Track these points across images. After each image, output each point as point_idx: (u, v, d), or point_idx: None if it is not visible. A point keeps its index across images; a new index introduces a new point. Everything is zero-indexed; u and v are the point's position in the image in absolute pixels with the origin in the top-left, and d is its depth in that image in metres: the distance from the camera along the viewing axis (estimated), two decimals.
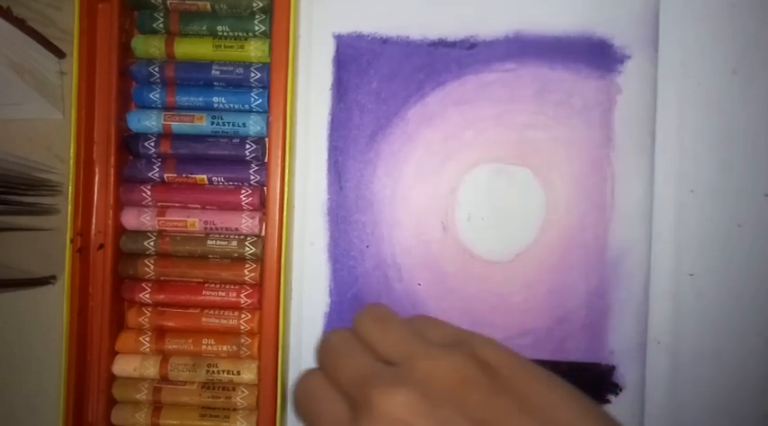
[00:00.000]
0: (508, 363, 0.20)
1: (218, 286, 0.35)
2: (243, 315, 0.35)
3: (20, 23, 0.34)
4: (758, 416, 0.35)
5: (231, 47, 0.35)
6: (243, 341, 0.34)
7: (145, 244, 0.35)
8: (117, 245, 0.35)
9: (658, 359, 0.34)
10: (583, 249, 0.35)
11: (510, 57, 0.35)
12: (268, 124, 0.34)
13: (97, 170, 0.35)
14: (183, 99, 0.35)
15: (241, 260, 0.35)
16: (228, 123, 0.35)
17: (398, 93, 0.36)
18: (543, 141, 0.35)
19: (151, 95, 0.35)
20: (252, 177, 0.35)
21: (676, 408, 0.32)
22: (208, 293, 0.35)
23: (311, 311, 0.36)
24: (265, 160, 0.35)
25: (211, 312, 0.35)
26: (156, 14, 0.35)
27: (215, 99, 0.35)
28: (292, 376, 0.36)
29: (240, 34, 0.35)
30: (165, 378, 0.35)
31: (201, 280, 0.35)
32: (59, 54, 0.37)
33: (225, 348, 0.34)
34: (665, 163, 0.34)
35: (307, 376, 0.21)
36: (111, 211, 0.35)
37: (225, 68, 0.35)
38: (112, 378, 0.35)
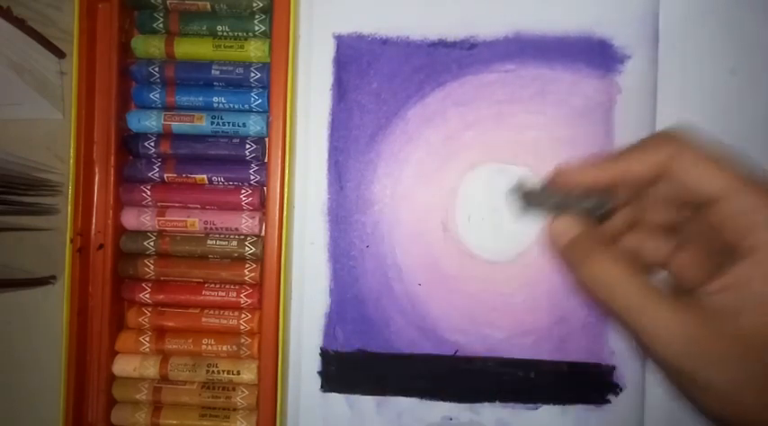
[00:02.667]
0: None
1: (218, 286, 0.35)
2: (243, 315, 0.35)
3: (20, 23, 0.34)
4: None
5: (231, 47, 0.35)
6: (243, 341, 0.34)
7: (145, 244, 0.35)
8: (117, 245, 0.35)
9: None
10: None
11: (510, 57, 0.35)
12: (268, 124, 0.34)
13: (97, 170, 0.35)
14: (183, 99, 0.35)
15: (241, 260, 0.35)
16: (228, 123, 0.35)
17: (398, 93, 0.36)
18: (543, 141, 0.35)
19: (151, 95, 0.35)
20: (252, 177, 0.35)
21: (676, 408, 0.32)
22: (208, 293, 0.35)
23: (311, 311, 0.36)
24: (265, 160, 0.35)
25: (211, 312, 0.35)
26: (155, 14, 0.35)
27: (215, 99, 0.35)
28: (292, 376, 0.36)
29: (240, 34, 0.35)
30: (165, 378, 0.35)
31: (201, 280, 0.35)
32: (59, 54, 0.37)
33: (225, 348, 0.34)
34: None
35: None
36: (111, 211, 0.35)
37: (225, 68, 0.35)
38: (112, 378, 0.35)
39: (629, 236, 0.26)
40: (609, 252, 0.23)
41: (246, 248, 0.35)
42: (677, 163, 0.23)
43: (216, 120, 0.35)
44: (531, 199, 0.25)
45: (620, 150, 0.24)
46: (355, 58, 0.36)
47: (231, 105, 0.35)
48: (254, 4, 0.34)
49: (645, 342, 0.21)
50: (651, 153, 0.23)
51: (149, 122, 0.35)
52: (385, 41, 0.36)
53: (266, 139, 0.35)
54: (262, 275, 0.34)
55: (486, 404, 0.35)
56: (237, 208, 0.35)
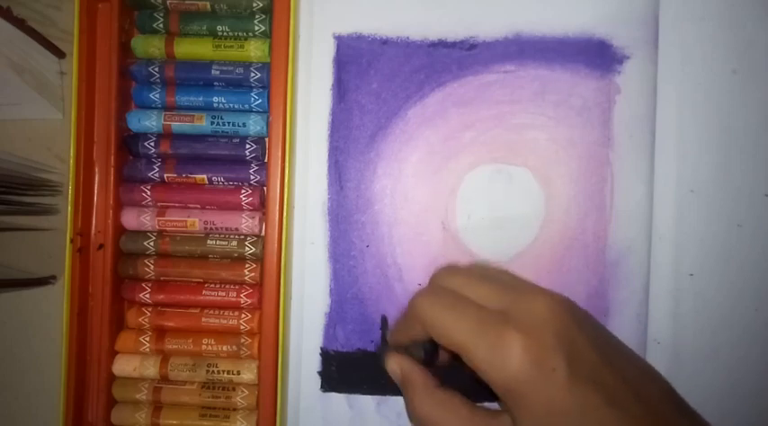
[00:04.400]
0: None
1: (218, 286, 0.35)
2: (243, 315, 0.35)
3: (20, 23, 0.34)
4: (757, 415, 0.35)
5: (231, 47, 0.35)
6: (243, 341, 0.34)
7: (145, 244, 0.35)
8: (117, 245, 0.35)
9: (658, 359, 0.34)
10: (582, 249, 0.35)
11: (510, 58, 0.35)
12: (268, 124, 0.34)
13: (97, 170, 0.35)
14: (183, 99, 0.35)
15: (241, 260, 0.35)
16: (228, 123, 0.35)
17: (398, 93, 0.36)
18: (543, 141, 0.35)
19: (151, 95, 0.35)
20: (252, 177, 0.35)
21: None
22: (208, 293, 0.35)
23: (311, 311, 0.36)
24: (265, 160, 0.35)
25: (211, 312, 0.35)
26: (155, 14, 0.35)
27: (215, 99, 0.35)
28: (292, 376, 0.36)
29: (240, 34, 0.35)
30: (165, 378, 0.35)
31: (201, 280, 0.35)
32: (59, 54, 0.37)
33: (225, 348, 0.34)
34: (665, 163, 0.35)
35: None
36: (111, 211, 0.35)
37: (225, 68, 0.35)
38: (112, 378, 0.35)
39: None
40: (426, 391, 0.27)
41: (246, 248, 0.35)
42: (429, 330, 0.26)
43: (216, 120, 0.35)
44: (382, 349, 0.31)
45: (398, 322, 0.29)
46: (355, 58, 0.36)
47: (231, 105, 0.35)
48: (254, 4, 0.34)
49: None
50: (411, 329, 0.28)
51: (149, 122, 0.35)
52: (385, 41, 0.36)
53: (266, 139, 0.35)
54: (262, 275, 0.34)
55: (486, 404, 0.35)
56: (237, 208, 0.35)
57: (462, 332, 0.25)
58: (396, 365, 0.29)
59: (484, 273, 0.28)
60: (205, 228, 0.35)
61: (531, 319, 0.24)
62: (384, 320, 0.34)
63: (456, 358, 0.27)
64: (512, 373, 0.23)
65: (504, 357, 0.23)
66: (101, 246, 0.35)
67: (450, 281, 0.28)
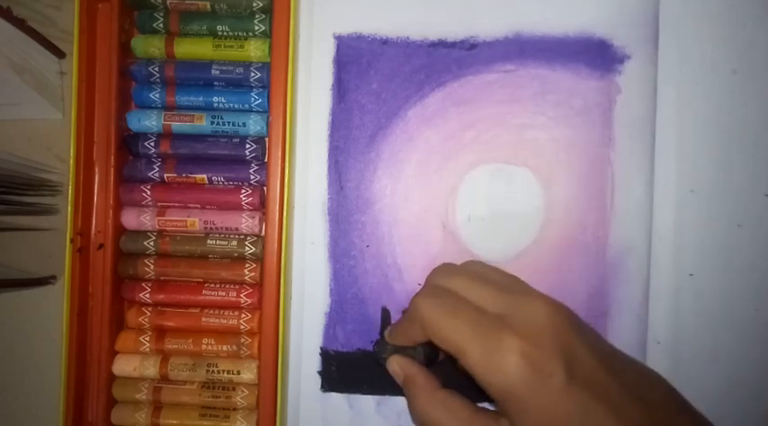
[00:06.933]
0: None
1: (218, 286, 0.35)
2: (243, 315, 0.35)
3: (20, 23, 0.34)
4: (757, 415, 0.35)
5: (231, 46, 0.35)
6: (243, 340, 0.34)
7: (145, 243, 0.35)
8: (117, 245, 0.35)
9: (658, 359, 0.34)
10: (583, 249, 0.35)
11: (510, 57, 0.35)
12: (268, 124, 0.34)
13: (97, 170, 0.35)
14: (183, 99, 0.35)
15: (241, 259, 0.35)
16: (228, 123, 0.35)
17: (399, 93, 0.36)
18: (543, 141, 0.35)
19: (151, 95, 0.35)
20: (252, 177, 0.35)
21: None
22: (208, 293, 0.35)
23: (311, 311, 0.36)
24: (265, 160, 0.35)
25: (211, 312, 0.35)
26: (155, 14, 0.35)
27: (215, 99, 0.35)
28: (292, 376, 0.36)
29: (240, 34, 0.35)
30: (164, 378, 0.35)
31: (201, 280, 0.35)
32: (59, 54, 0.37)
33: (225, 348, 0.34)
34: (665, 163, 0.35)
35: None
36: (111, 211, 0.35)
37: (225, 68, 0.35)
38: (112, 378, 0.35)
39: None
40: (428, 393, 0.27)
41: (246, 248, 0.35)
42: (428, 332, 0.26)
43: (216, 120, 0.35)
44: (381, 348, 0.31)
45: (398, 323, 0.30)
46: (355, 58, 0.36)
47: (231, 105, 0.35)
48: (254, 4, 0.34)
49: None
50: (410, 330, 0.28)
51: (149, 122, 0.35)
52: (385, 41, 0.36)
53: (266, 139, 0.35)
54: (262, 275, 0.34)
55: (486, 405, 0.35)
56: (237, 207, 0.35)
57: (460, 335, 0.24)
58: (397, 366, 0.29)
59: (482, 274, 0.28)
60: (205, 228, 0.35)
61: (529, 324, 0.24)
62: (385, 311, 0.34)
63: (455, 361, 0.27)
64: (508, 378, 0.23)
65: (500, 361, 0.23)
66: (101, 246, 0.35)
67: (448, 282, 0.27)
